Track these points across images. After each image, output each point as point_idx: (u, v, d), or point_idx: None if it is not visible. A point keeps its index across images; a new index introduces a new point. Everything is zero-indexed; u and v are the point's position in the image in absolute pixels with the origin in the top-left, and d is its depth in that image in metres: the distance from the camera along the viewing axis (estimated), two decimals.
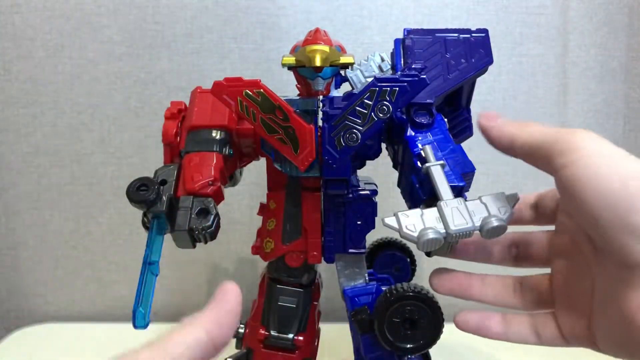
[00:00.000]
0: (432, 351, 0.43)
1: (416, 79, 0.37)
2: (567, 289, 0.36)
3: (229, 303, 0.28)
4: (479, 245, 0.41)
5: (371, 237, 0.46)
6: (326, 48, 0.41)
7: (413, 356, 0.43)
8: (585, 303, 0.34)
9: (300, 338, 0.45)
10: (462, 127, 0.46)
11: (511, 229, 0.39)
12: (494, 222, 0.34)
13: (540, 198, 0.40)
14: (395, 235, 0.39)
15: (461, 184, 0.37)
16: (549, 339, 0.37)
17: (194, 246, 0.39)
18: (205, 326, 0.26)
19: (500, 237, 0.38)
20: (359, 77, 0.44)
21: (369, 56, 0.44)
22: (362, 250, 0.43)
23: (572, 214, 0.35)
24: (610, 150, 0.31)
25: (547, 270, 0.39)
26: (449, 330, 0.40)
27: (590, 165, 0.30)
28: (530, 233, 0.40)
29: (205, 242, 0.39)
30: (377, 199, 0.43)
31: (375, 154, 0.44)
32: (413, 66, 0.40)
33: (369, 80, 0.42)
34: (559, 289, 0.37)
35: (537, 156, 0.33)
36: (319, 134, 0.39)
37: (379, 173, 0.51)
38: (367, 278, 0.44)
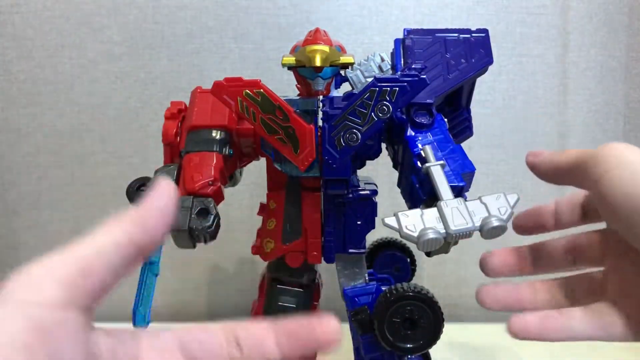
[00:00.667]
0: (432, 351, 0.43)
1: (416, 79, 0.37)
2: (624, 285, 0.35)
3: (157, 201, 0.25)
4: (540, 260, 0.39)
5: (371, 237, 0.46)
6: (326, 48, 0.41)
7: (413, 356, 0.43)
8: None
9: None
10: (462, 127, 0.46)
11: (562, 232, 0.38)
12: (494, 222, 0.34)
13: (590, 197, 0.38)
14: (395, 235, 0.39)
15: (461, 184, 0.37)
16: (617, 333, 0.35)
17: (194, 246, 0.39)
18: (125, 227, 0.23)
19: (557, 244, 0.38)
20: (359, 77, 0.44)
21: (369, 56, 0.44)
22: (362, 250, 0.43)
23: (612, 224, 0.34)
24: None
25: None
26: (449, 330, 0.40)
27: (620, 175, 0.30)
28: (580, 235, 0.38)
29: (205, 242, 0.39)
30: (377, 199, 0.43)
31: (375, 154, 0.44)
32: (413, 66, 0.40)
33: (369, 80, 0.42)
34: (615, 285, 0.35)
35: (576, 174, 0.33)
36: (319, 134, 0.39)
37: (379, 173, 0.51)
38: (367, 278, 0.44)
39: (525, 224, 0.40)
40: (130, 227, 0.23)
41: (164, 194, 0.25)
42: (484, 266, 0.39)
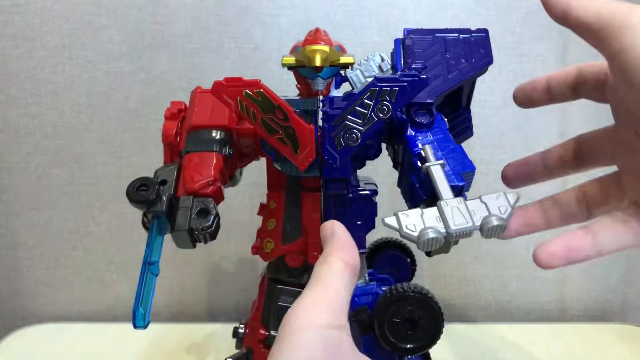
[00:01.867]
0: (432, 351, 0.43)
1: (416, 78, 0.37)
2: None
3: (338, 234, 0.30)
4: (538, 165, 0.38)
5: (371, 237, 0.46)
6: (326, 48, 0.41)
7: (413, 356, 0.43)
8: None
9: None
10: (462, 127, 0.46)
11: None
12: (495, 222, 0.34)
13: (580, 73, 0.36)
14: (395, 235, 0.39)
15: (461, 184, 0.37)
16: None
17: (194, 246, 0.39)
18: (339, 256, 0.29)
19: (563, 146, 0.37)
20: (359, 77, 0.44)
21: (369, 56, 0.44)
22: (362, 250, 0.43)
23: (631, 105, 0.30)
24: None
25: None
26: (449, 330, 0.40)
27: None
28: (585, 134, 0.35)
29: (205, 242, 0.39)
30: (377, 199, 0.43)
31: (375, 154, 0.44)
32: (413, 66, 0.40)
33: (369, 80, 0.42)
34: (631, 185, 0.32)
35: (591, 36, 0.30)
36: (319, 134, 0.39)
37: (379, 173, 0.51)
38: (367, 278, 0.44)
39: (515, 172, 0.41)
40: (340, 255, 0.30)
41: (338, 228, 0.32)
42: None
